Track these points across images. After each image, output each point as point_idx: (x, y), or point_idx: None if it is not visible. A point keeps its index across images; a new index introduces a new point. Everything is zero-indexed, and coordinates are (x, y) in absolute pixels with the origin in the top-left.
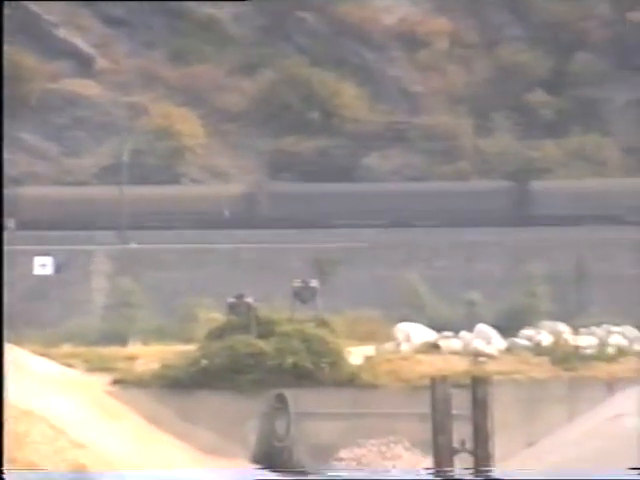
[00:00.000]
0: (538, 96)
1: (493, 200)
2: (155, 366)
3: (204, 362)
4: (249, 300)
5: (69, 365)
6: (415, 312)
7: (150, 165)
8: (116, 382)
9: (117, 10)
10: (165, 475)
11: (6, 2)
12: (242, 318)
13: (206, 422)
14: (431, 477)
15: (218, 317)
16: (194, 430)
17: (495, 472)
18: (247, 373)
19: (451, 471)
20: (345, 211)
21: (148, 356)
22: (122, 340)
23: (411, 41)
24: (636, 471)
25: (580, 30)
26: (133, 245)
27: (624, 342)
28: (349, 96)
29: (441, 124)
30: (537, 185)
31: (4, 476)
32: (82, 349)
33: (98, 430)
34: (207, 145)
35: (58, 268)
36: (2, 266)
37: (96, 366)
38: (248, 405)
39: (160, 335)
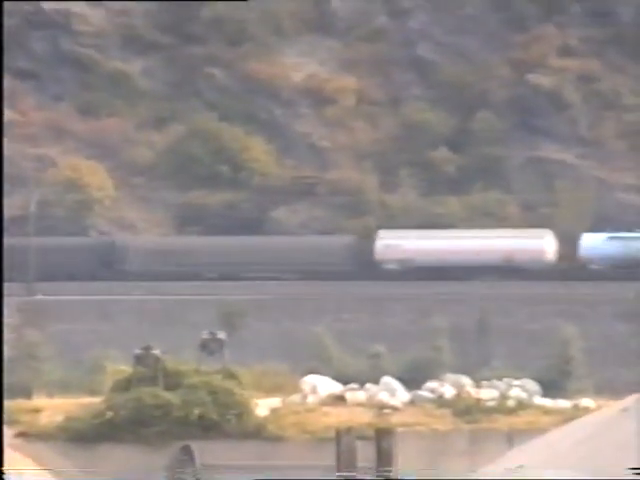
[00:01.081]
0: (442, 153)
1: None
2: (60, 419)
3: (109, 414)
4: (156, 352)
5: None
6: (322, 364)
7: (58, 217)
8: (19, 435)
9: (26, 62)
10: None
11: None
12: (149, 370)
13: (110, 475)
14: None
15: (125, 369)
16: None
17: None
18: (153, 425)
19: None
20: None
21: (53, 409)
22: (27, 393)
23: (319, 98)
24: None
25: (481, 90)
26: (40, 296)
27: (524, 395)
28: (258, 151)
29: (348, 179)
30: (122, 241)
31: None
32: None
33: None
34: (116, 198)
35: None
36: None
37: None
38: (154, 457)
39: (65, 387)
